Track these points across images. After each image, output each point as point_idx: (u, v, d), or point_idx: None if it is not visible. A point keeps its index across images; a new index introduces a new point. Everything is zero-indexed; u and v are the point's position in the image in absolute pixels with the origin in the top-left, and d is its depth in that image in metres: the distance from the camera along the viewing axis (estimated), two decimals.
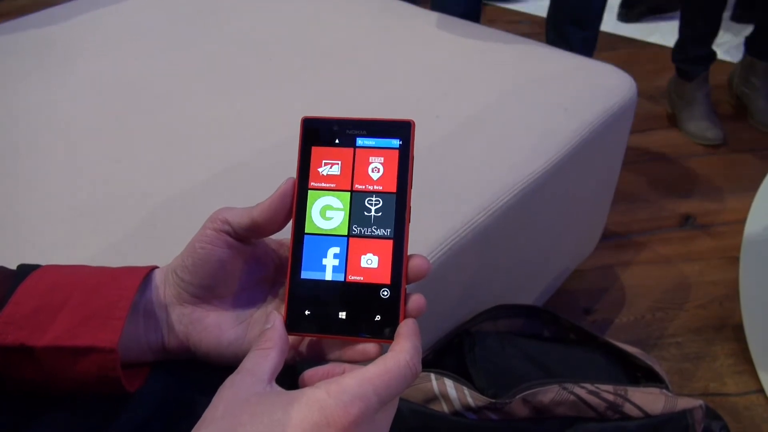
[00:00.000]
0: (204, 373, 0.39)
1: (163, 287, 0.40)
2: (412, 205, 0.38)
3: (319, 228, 0.38)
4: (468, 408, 0.69)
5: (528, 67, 0.97)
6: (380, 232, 0.37)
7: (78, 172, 0.74)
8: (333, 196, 0.38)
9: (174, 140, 0.80)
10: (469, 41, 1.02)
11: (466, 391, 0.69)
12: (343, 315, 0.37)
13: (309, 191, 0.38)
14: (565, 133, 0.84)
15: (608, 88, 0.94)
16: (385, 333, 0.36)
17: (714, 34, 1.62)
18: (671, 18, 2.14)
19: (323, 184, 0.38)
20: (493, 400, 0.68)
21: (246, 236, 0.39)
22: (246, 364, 0.34)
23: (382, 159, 0.38)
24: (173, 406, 0.40)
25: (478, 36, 1.05)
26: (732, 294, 1.24)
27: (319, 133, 0.39)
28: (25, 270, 0.39)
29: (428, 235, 0.68)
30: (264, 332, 0.36)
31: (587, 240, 1.15)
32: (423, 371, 0.70)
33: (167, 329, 0.40)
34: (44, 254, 0.63)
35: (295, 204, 0.38)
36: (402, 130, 0.39)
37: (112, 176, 0.74)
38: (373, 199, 0.38)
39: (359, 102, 0.88)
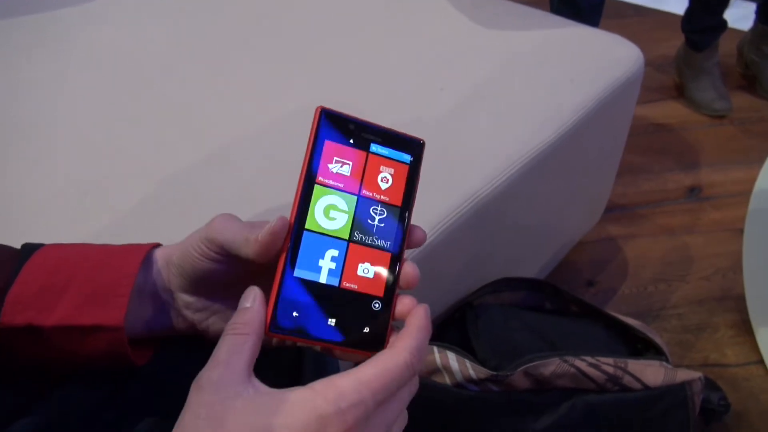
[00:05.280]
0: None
1: (166, 273, 0.40)
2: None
3: (320, 226, 0.36)
4: (470, 380, 0.70)
5: (533, 38, 0.95)
6: (381, 243, 0.37)
7: (82, 148, 0.74)
8: (339, 196, 0.36)
9: (178, 116, 0.79)
10: (473, 12, 1.01)
11: (468, 363, 0.70)
12: (332, 322, 0.35)
13: (316, 185, 0.36)
14: (570, 105, 0.84)
15: (615, 59, 0.93)
16: (371, 345, 0.35)
17: (725, 2, 1.58)
18: None
19: (331, 182, 0.36)
20: (495, 373, 0.69)
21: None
22: (220, 355, 0.32)
23: (392, 170, 0.38)
24: (182, 380, 0.41)
25: (482, 6, 1.03)
26: (735, 266, 1.24)
27: (335, 128, 0.37)
28: (29, 248, 0.39)
29: (432, 208, 0.68)
30: (241, 312, 0.33)
31: (591, 212, 1.15)
32: None
33: (175, 314, 0.40)
34: (49, 230, 0.63)
35: (299, 195, 0.36)
36: (415, 147, 0.38)
37: (116, 152, 0.73)
38: (379, 208, 0.37)
39: (363, 73, 0.87)
